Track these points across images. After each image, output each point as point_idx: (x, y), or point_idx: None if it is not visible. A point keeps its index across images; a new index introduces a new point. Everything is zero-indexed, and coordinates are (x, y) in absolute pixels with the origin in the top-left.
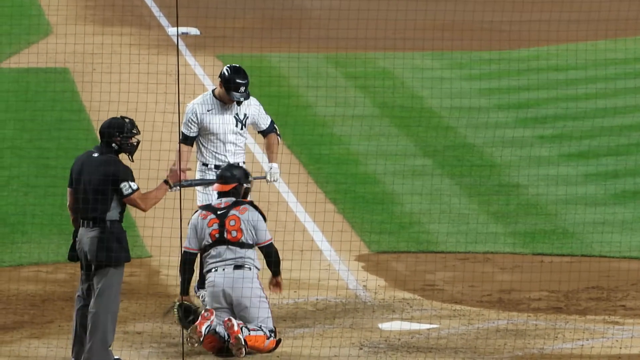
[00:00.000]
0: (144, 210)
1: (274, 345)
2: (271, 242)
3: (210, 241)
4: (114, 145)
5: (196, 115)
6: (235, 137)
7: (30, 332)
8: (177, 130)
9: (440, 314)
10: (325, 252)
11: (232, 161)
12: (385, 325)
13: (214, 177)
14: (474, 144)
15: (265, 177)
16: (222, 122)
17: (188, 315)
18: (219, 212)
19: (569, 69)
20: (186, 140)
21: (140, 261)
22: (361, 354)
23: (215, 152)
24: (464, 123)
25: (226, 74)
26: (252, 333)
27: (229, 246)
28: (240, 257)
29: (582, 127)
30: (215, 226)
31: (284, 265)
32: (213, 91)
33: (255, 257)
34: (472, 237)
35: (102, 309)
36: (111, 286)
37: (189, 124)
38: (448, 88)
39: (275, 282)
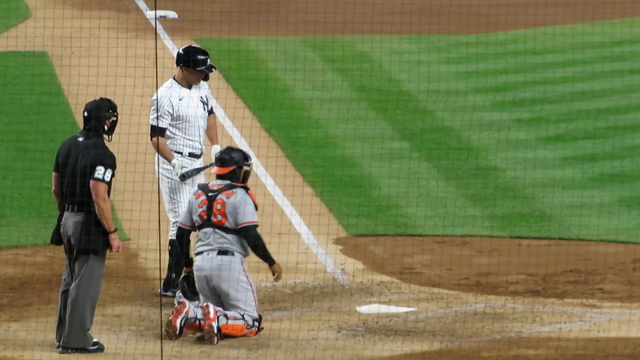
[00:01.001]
0: (95, 201)
1: (254, 335)
2: (249, 225)
3: (199, 222)
4: (106, 126)
5: (172, 106)
6: (204, 121)
7: (9, 316)
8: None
9: (418, 297)
10: (303, 235)
11: (202, 146)
12: (363, 309)
13: (189, 165)
14: (452, 127)
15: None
16: (194, 108)
17: (193, 287)
18: (209, 194)
19: (547, 52)
20: (162, 132)
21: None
22: (339, 337)
23: (189, 139)
24: (442, 106)
25: (187, 53)
26: (230, 322)
27: (216, 229)
28: (226, 242)
29: (559, 110)
30: (204, 207)
31: None
32: (174, 78)
33: (241, 243)
34: (449, 221)
35: (82, 294)
36: (92, 272)
37: (165, 116)
38: (426, 71)
39: (272, 272)
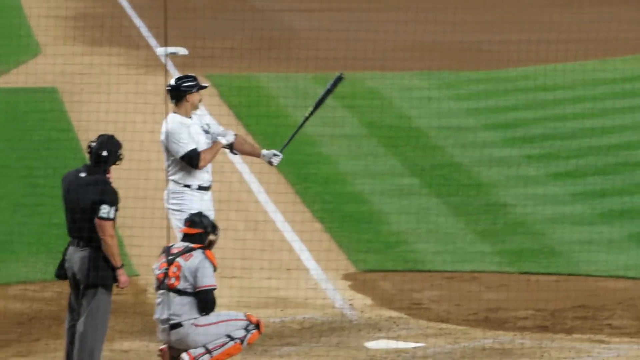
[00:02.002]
0: (102, 239)
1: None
2: (208, 289)
3: (157, 283)
4: (116, 164)
5: (188, 131)
6: None
7: (17, 351)
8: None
9: (426, 333)
10: (312, 270)
11: (210, 177)
12: (372, 344)
13: (199, 201)
14: (462, 163)
15: (271, 160)
16: (200, 137)
17: None
18: (169, 257)
19: (557, 88)
20: (197, 152)
21: (129, 280)
22: None
23: (196, 171)
24: (452, 142)
25: (179, 81)
26: (216, 353)
27: (170, 292)
28: (175, 312)
29: (569, 146)
30: (163, 270)
31: (271, 283)
32: (175, 113)
33: (192, 306)
34: (458, 256)
35: (91, 329)
36: (100, 307)
37: (189, 137)
38: (436, 108)
39: None
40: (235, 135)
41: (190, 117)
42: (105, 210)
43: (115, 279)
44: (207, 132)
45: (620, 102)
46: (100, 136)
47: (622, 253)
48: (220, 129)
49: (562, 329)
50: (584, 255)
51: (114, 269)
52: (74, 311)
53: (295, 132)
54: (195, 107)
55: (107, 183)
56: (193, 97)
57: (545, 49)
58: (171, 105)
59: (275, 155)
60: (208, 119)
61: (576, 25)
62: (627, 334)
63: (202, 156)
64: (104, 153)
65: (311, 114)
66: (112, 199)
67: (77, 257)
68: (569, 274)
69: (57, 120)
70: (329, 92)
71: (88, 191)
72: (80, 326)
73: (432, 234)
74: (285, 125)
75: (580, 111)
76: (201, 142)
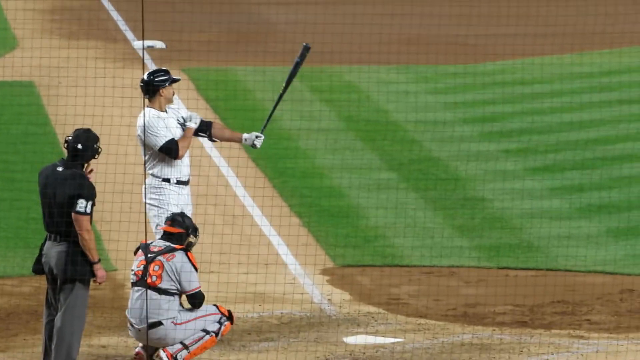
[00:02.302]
0: (79, 233)
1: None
2: (195, 292)
3: (134, 279)
4: (95, 157)
5: (164, 124)
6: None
7: None
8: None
9: (405, 328)
10: (290, 265)
11: (189, 172)
12: (350, 339)
13: (177, 195)
14: (439, 158)
15: (254, 142)
16: (177, 131)
17: None
18: (149, 255)
19: (535, 82)
20: (174, 141)
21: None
22: None
23: (176, 165)
24: (429, 137)
25: (151, 76)
26: (192, 348)
27: (148, 289)
28: (154, 309)
29: (547, 141)
30: (141, 267)
31: (249, 278)
32: (150, 108)
33: (171, 305)
34: (437, 251)
35: (68, 324)
36: (77, 301)
37: (166, 129)
38: (413, 102)
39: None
40: (212, 122)
41: (165, 111)
42: (82, 204)
43: (92, 274)
44: (183, 125)
45: (597, 96)
46: (77, 130)
47: (600, 248)
48: (187, 113)
49: (541, 325)
50: (562, 250)
51: (91, 264)
52: (52, 306)
53: (273, 111)
54: (170, 101)
55: (84, 177)
56: (166, 91)
57: (522, 42)
58: (147, 100)
59: (257, 137)
60: (184, 112)
61: (553, 19)
62: (606, 330)
63: (180, 145)
64: (80, 147)
65: (284, 89)
66: (89, 193)
67: (54, 251)
68: (548, 269)
69: (34, 114)
70: (298, 64)
71: (65, 185)
72: (57, 321)
73: (410, 228)
74: (262, 118)
75: (558, 105)
76: (178, 136)
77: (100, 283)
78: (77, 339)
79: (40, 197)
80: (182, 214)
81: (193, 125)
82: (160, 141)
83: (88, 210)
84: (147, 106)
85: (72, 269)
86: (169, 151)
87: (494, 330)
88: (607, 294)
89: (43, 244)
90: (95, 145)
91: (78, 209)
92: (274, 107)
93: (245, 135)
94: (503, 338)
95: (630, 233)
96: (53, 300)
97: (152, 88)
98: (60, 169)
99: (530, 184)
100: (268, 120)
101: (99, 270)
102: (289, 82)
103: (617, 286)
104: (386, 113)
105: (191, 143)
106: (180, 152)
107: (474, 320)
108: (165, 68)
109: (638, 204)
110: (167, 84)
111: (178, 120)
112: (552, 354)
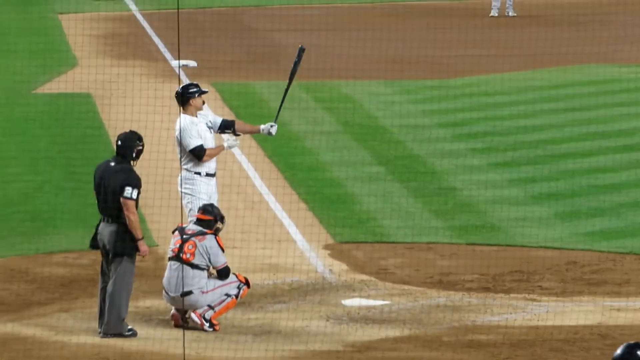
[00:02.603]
0: (126, 215)
1: (247, 291)
2: (224, 267)
3: (171, 254)
4: (134, 154)
5: (197, 131)
6: (212, 143)
7: (60, 307)
8: (178, 143)
9: (391, 293)
10: (299, 242)
11: (215, 166)
12: (347, 302)
13: (206, 185)
14: (419, 155)
15: (270, 130)
16: (206, 135)
17: None
18: (184, 236)
19: (496, 94)
20: (202, 149)
21: (148, 249)
22: (328, 325)
23: (204, 161)
24: (411, 138)
25: (185, 88)
26: (217, 308)
27: (183, 265)
28: (187, 280)
29: (506, 141)
30: (178, 245)
31: (265, 253)
32: (185, 115)
33: (201, 277)
34: (417, 230)
35: (117, 290)
36: (125, 271)
37: (197, 134)
38: (398, 110)
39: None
40: (235, 120)
41: (196, 116)
42: (128, 191)
43: (137, 249)
44: (211, 128)
45: (547, 105)
46: (123, 132)
47: (549, 228)
48: (219, 119)
49: (502, 290)
50: (519, 230)
51: (136, 241)
52: (105, 275)
53: (282, 103)
54: (199, 109)
55: (131, 170)
56: (196, 101)
57: (486, 61)
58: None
59: (272, 125)
60: (211, 117)
61: (511, 42)
62: (554, 294)
63: (208, 152)
64: (119, 143)
65: (289, 85)
66: (135, 183)
67: (106, 231)
68: (507, 245)
69: (91, 119)
70: (296, 63)
71: (116, 177)
72: (109, 287)
73: (395, 212)
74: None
75: (515, 112)
76: (208, 137)
77: (143, 256)
78: (125, 302)
79: (95, 187)
80: (211, 205)
81: (225, 145)
82: (192, 144)
83: (134, 196)
84: (183, 113)
85: (120, 245)
86: (197, 154)
87: (464, 294)
88: (555, 265)
89: (98, 225)
90: (134, 143)
91: (125, 194)
92: (282, 101)
93: (262, 127)
94: (471, 301)
95: (573, 216)
96: (106, 270)
97: (184, 98)
98: (112, 164)
99: (493, 177)
100: (279, 112)
101: (142, 246)
102: (291, 78)
103: (564, 259)
104: (376, 119)
105: (218, 154)
106: (205, 158)
107: (447, 287)
108: (195, 82)
109: (580, 192)
110: (196, 95)
111: (207, 124)
112: (511, 314)
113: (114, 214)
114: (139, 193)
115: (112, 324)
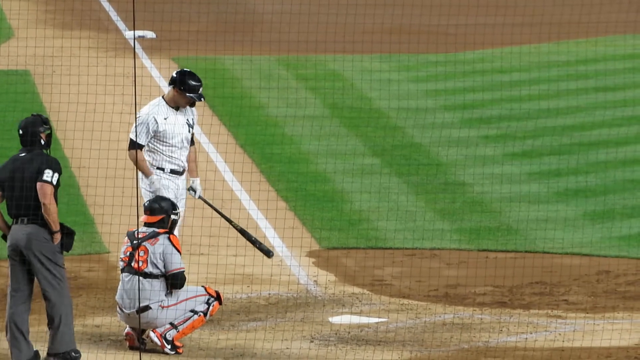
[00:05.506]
0: (42, 202)
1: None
2: (176, 273)
3: (122, 266)
4: (42, 141)
5: (156, 124)
6: (188, 142)
7: None
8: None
9: (388, 308)
10: (277, 248)
11: (184, 164)
12: (336, 319)
13: (169, 182)
14: (421, 144)
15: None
16: (178, 129)
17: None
18: (134, 242)
19: (513, 71)
20: (140, 147)
21: (98, 257)
22: (312, 346)
23: (172, 157)
24: (411, 123)
25: (181, 77)
26: (181, 327)
27: (136, 275)
28: (145, 296)
29: (525, 127)
30: (128, 254)
31: (238, 260)
32: (163, 97)
33: (160, 289)
34: (419, 234)
35: (59, 297)
36: (62, 276)
37: (147, 132)
38: (396, 89)
39: None
40: (192, 147)
41: (175, 108)
42: (48, 174)
43: (62, 247)
44: (190, 126)
45: (573, 83)
46: (24, 119)
47: (577, 231)
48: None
49: (520, 305)
50: (541, 232)
51: (52, 233)
52: (20, 291)
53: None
54: (176, 106)
55: (48, 155)
56: (178, 95)
57: (501, 31)
58: (160, 90)
59: (193, 181)
60: (193, 117)
61: (530, 9)
62: (583, 310)
63: (137, 155)
64: (20, 132)
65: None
66: (55, 166)
67: (22, 234)
68: (526, 251)
69: (29, 101)
70: (254, 242)
71: (31, 164)
72: (51, 298)
73: (393, 212)
74: (249, 106)
75: (535, 93)
76: (178, 132)
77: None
78: (71, 312)
79: (6, 183)
80: (156, 200)
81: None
82: (132, 134)
83: (54, 181)
84: (162, 95)
85: (47, 246)
86: (130, 145)
87: (475, 310)
88: (584, 275)
89: (9, 228)
90: (37, 129)
91: (44, 177)
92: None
93: (193, 181)
94: (483, 318)
95: (605, 216)
96: (22, 282)
97: (174, 84)
98: (22, 154)
99: (509, 169)
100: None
101: (57, 240)
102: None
103: (594, 268)
104: (369, 100)
105: (139, 169)
106: (130, 157)
107: (455, 301)
108: (201, 82)
109: (613, 188)
110: (184, 92)
111: (187, 120)
112: (531, 334)
113: (32, 211)
114: (59, 180)
115: (66, 338)
